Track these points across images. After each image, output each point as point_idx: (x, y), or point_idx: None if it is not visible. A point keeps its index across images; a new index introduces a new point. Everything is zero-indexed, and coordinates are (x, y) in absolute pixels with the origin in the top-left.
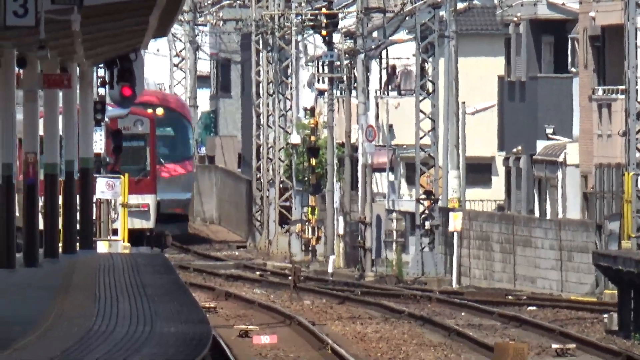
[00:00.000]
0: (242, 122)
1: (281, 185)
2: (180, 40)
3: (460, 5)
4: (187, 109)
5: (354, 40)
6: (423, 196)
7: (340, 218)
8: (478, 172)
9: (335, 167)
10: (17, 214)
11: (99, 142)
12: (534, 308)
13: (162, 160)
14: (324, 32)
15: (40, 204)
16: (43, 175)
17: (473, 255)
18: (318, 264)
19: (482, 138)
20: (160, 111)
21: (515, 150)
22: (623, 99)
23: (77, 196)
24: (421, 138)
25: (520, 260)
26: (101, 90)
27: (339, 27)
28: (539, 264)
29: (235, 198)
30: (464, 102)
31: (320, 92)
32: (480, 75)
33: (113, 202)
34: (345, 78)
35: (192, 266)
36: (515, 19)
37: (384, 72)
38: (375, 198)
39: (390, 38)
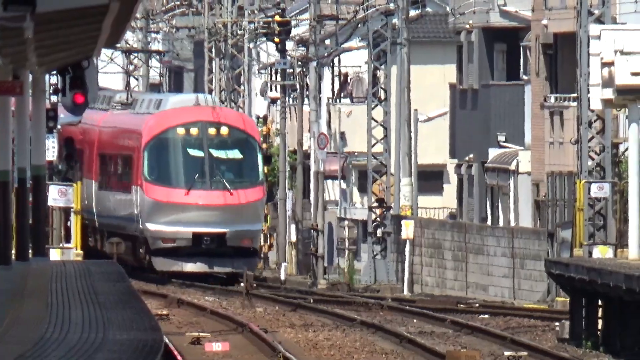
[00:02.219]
0: None
1: None
2: (133, 47)
3: (412, 13)
4: (256, 129)
5: (307, 47)
6: (375, 204)
7: (293, 225)
8: (430, 179)
9: (287, 175)
10: None
11: (51, 149)
12: (486, 316)
13: (228, 186)
14: (276, 40)
15: None
16: None
17: (425, 263)
18: (270, 271)
19: (434, 146)
20: (224, 130)
21: (467, 157)
22: (575, 106)
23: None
24: (373, 145)
25: (473, 268)
26: (54, 98)
27: (291, 34)
28: (491, 271)
29: None
30: (416, 110)
31: (273, 100)
32: (433, 83)
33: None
34: (297, 86)
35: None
36: (467, 26)
37: (336, 79)
38: (327, 206)
39: (342, 46)
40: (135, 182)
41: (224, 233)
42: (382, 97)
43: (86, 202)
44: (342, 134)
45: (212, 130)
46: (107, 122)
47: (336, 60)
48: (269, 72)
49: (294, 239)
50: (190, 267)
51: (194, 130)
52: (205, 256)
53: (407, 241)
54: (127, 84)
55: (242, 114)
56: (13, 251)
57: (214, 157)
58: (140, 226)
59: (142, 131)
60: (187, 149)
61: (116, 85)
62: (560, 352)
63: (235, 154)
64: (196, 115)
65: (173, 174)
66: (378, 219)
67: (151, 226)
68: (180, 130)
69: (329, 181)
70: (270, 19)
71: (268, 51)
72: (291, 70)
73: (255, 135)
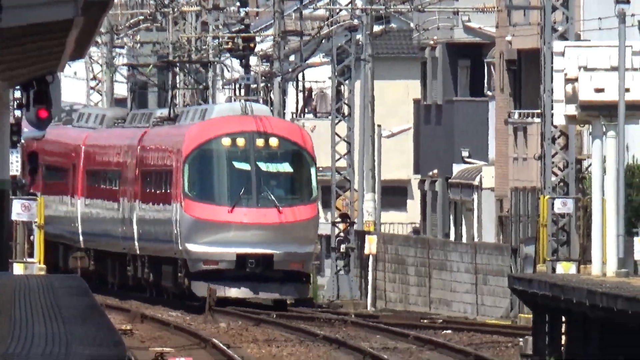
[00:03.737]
0: None
1: None
2: (98, 62)
3: (376, 29)
4: (310, 141)
5: (271, 63)
6: (338, 219)
7: None
8: (394, 195)
9: None
10: None
11: (15, 164)
12: (449, 331)
13: (276, 203)
14: (241, 53)
15: None
16: None
17: (388, 278)
18: None
19: (398, 161)
20: (274, 142)
21: (431, 173)
22: (539, 122)
23: None
24: (337, 161)
25: (436, 283)
26: (17, 112)
27: (255, 50)
28: (455, 287)
29: None
30: (379, 125)
31: None
32: (397, 99)
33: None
34: (261, 101)
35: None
36: (431, 42)
37: (300, 95)
38: None
39: (306, 61)
40: (175, 199)
41: (271, 255)
42: (346, 112)
43: (124, 228)
44: None
45: (260, 142)
46: (147, 138)
47: (300, 75)
48: (233, 87)
49: None
50: (234, 292)
51: (240, 141)
52: (250, 280)
53: (371, 256)
54: (171, 98)
55: (295, 124)
56: None
57: (261, 170)
58: (180, 247)
59: (183, 142)
60: (232, 162)
61: (80, 99)
62: None
63: (286, 167)
64: (243, 124)
65: (216, 189)
66: (341, 234)
67: (191, 247)
68: (225, 141)
69: None
70: (234, 35)
71: (232, 66)
72: (255, 85)
73: (308, 148)
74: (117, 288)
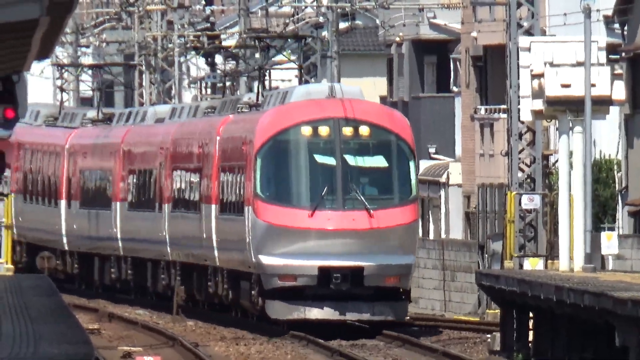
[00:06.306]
0: None
1: None
2: (64, 61)
3: (342, 26)
4: (408, 129)
5: (237, 61)
6: None
7: None
8: None
9: None
10: None
11: None
12: (416, 328)
13: (367, 205)
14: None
15: None
16: None
17: None
18: None
19: None
20: (364, 130)
21: None
22: (505, 118)
23: None
24: None
25: None
26: None
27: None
28: (422, 284)
29: None
30: None
31: None
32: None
33: None
34: None
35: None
36: (397, 39)
37: None
38: None
39: (272, 59)
40: (247, 201)
41: (361, 268)
42: None
43: (205, 235)
44: None
45: (348, 130)
46: (226, 128)
47: (266, 73)
48: (199, 85)
49: None
50: (315, 313)
51: (323, 130)
52: (336, 299)
53: None
54: (260, 81)
55: (390, 109)
56: None
57: (349, 165)
58: (253, 259)
59: (255, 132)
60: (314, 155)
61: (46, 99)
62: None
63: (379, 161)
64: (327, 109)
65: (293, 188)
66: None
67: (264, 259)
68: (305, 130)
69: None
70: (200, 33)
71: (198, 65)
72: (221, 84)
73: (406, 137)
74: (206, 307)
